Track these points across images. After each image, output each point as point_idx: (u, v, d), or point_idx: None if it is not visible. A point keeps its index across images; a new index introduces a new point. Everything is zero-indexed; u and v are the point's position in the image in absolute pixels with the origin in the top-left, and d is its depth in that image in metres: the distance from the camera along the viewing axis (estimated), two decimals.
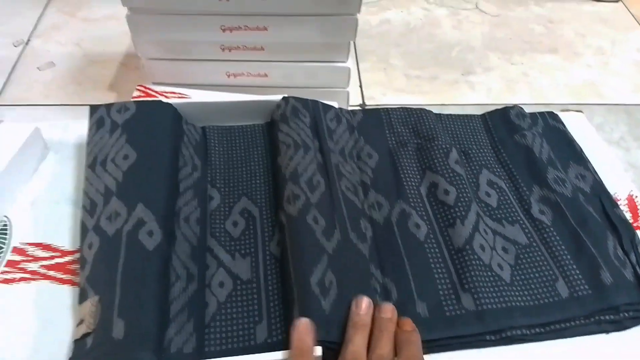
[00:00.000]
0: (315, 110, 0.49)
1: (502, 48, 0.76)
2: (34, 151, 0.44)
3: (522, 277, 0.39)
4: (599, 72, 0.73)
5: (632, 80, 0.71)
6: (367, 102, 0.67)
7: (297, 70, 0.61)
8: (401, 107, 0.53)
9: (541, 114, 0.54)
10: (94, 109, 0.46)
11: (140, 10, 0.54)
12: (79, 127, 0.48)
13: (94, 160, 0.42)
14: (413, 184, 0.45)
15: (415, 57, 0.74)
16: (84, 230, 0.39)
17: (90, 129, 0.45)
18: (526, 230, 0.43)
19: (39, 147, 0.45)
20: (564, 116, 0.54)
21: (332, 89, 0.62)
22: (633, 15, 0.83)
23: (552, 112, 0.55)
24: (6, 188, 0.41)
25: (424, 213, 0.43)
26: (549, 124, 0.53)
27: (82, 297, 0.35)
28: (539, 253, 0.41)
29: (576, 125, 0.52)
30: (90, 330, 0.33)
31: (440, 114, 0.54)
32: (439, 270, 0.39)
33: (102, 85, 0.67)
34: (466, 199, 0.43)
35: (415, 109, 0.52)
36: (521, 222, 0.43)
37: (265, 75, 0.61)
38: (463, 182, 0.44)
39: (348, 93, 0.63)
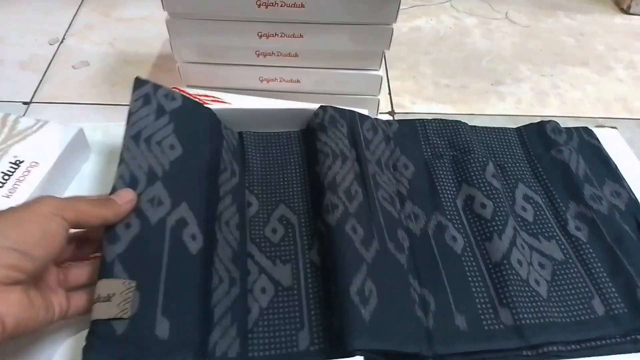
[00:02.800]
0: (352, 120, 0.49)
1: (533, 59, 0.76)
2: (78, 152, 0.45)
3: (559, 293, 0.40)
4: (630, 86, 0.72)
5: None
6: (396, 110, 0.67)
7: (329, 77, 0.61)
8: (436, 119, 0.53)
9: (576, 129, 0.54)
10: (141, 82, 0.45)
11: (181, 15, 0.55)
12: (119, 130, 0.49)
13: (138, 133, 0.40)
14: (449, 196, 0.46)
15: (445, 65, 0.74)
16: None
17: (135, 100, 0.43)
18: (562, 247, 0.43)
19: (83, 148, 0.46)
20: (598, 132, 0.54)
21: (362, 96, 0.63)
22: None
23: (587, 128, 0.55)
24: (51, 186, 0.42)
25: (460, 226, 0.44)
26: (584, 140, 0.53)
27: (107, 272, 0.32)
28: (575, 270, 0.41)
29: (610, 142, 0.52)
30: (126, 317, 0.31)
31: (475, 126, 0.54)
32: (477, 284, 0.40)
33: None
34: (503, 213, 0.43)
35: (450, 121, 0.53)
36: (557, 237, 0.43)
37: (298, 81, 0.62)
38: (500, 196, 0.44)
39: (378, 101, 0.64)
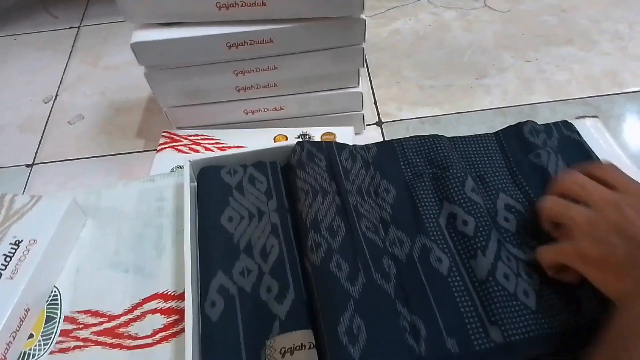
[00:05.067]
0: (330, 152, 0.50)
1: (515, 45, 0.75)
2: (74, 221, 0.48)
3: (547, 303, 0.40)
4: (618, 58, 0.71)
5: None
6: (383, 119, 0.68)
7: (311, 101, 0.62)
8: (413, 136, 0.54)
9: (555, 124, 0.54)
10: (339, 145, 0.52)
11: (157, 66, 0.56)
12: (111, 193, 0.51)
13: (359, 188, 0.48)
14: (431, 216, 0.46)
15: (428, 66, 0.74)
16: (376, 247, 0.44)
17: (346, 161, 0.50)
18: None
19: (78, 216, 0.48)
20: (579, 124, 0.53)
21: (347, 113, 0.64)
22: None
23: (566, 122, 0.54)
24: (52, 260, 0.45)
25: (444, 246, 0.44)
26: (564, 135, 0.53)
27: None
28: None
29: (592, 133, 0.52)
30: None
31: (453, 138, 0.54)
32: (465, 304, 0.40)
33: (130, 133, 0.70)
34: (485, 229, 0.44)
35: (427, 136, 0.53)
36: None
37: (282, 108, 0.63)
38: (481, 210, 0.45)
39: (363, 115, 0.64)
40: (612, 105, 0.65)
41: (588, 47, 0.74)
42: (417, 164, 0.51)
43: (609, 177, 0.40)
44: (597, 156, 0.51)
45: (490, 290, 0.40)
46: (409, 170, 0.50)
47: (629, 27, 0.76)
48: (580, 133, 0.53)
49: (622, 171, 0.41)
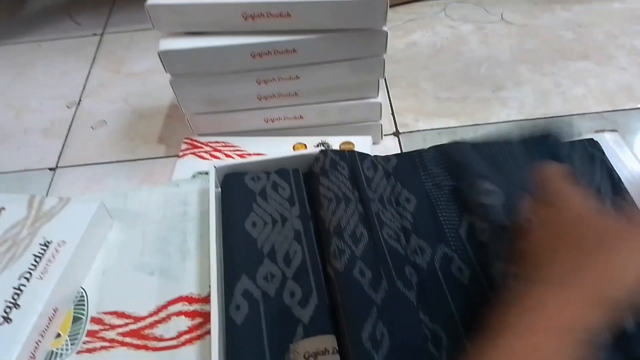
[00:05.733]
0: (352, 161, 0.51)
1: (532, 59, 0.76)
2: (101, 224, 0.49)
3: None
4: (634, 73, 0.72)
5: None
6: (400, 130, 0.69)
7: (330, 110, 0.63)
8: (432, 147, 0.54)
9: (581, 141, 0.54)
10: (361, 155, 0.53)
11: (182, 74, 0.58)
12: (136, 196, 0.52)
13: (381, 197, 0.49)
14: (452, 226, 0.47)
15: (445, 78, 0.75)
16: (397, 254, 0.44)
17: (368, 170, 0.51)
18: None
19: (105, 219, 0.49)
20: (598, 138, 0.54)
21: (365, 123, 0.65)
22: None
23: (592, 140, 0.54)
24: (80, 261, 0.46)
25: (465, 256, 0.45)
26: (588, 152, 0.53)
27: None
28: None
29: (611, 146, 0.53)
30: None
31: (476, 143, 0.54)
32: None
33: (152, 139, 0.72)
34: (498, 230, 0.44)
35: (445, 145, 0.54)
36: None
37: (301, 117, 0.64)
38: (495, 212, 0.45)
39: (381, 125, 0.65)
40: (629, 120, 0.66)
41: (604, 62, 0.74)
42: (437, 175, 0.51)
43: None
44: (618, 175, 0.51)
45: None
46: (429, 181, 0.51)
47: None
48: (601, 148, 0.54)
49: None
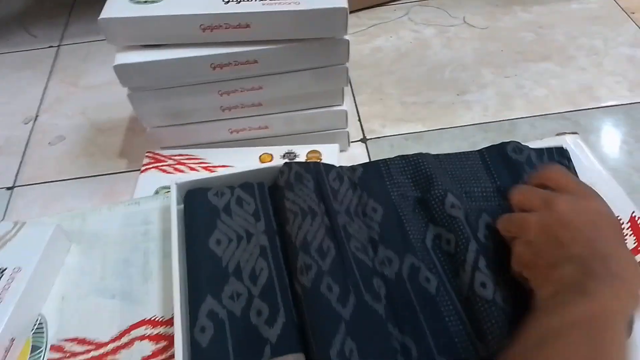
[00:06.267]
0: (317, 173, 0.50)
1: (495, 62, 0.77)
2: (59, 247, 0.47)
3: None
4: (594, 74, 0.73)
5: (628, 79, 0.72)
6: (367, 136, 0.69)
7: (296, 119, 0.63)
8: (398, 156, 0.54)
9: (549, 150, 0.54)
10: (327, 166, 0.52)
11: (141, 88, 0.56)
12: (95, 217, 0.50)
13: (348, 209, 0.48)
14: (418, 236, 0.47)
15: (410, 83, 0.75)
16: (365, 267, 0.43)
17: (334, 181, 0.51)
18: None
19: (62, 242, 0.48)
20: (559, 141, 0.54)
21: (332, 130, 0.64)
22: (622, 9, 0.83)
23: (560, 149, 0.54)
24: (38, 288, 0.44)
25: (432, 266, 0.45)
26: (555, 161, 0.53)
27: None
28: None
29: (572, 149, 0.53)
30: None
31: (438, 155, 0.55)
32: (454, 323, 0.41)
33: (112, 153, 0.70)
34: (463, 242, 0.44)
35: (412, 156, 0.53)
36: None
37: (267, 127, 0.63)
38: (460, 224, 0.45)
39: (348, 133, 0.65)
40: (590, 120, 0.67)
41: (565, 63, 0.75)
42: (402, 184, 0.51)
43: (554, 181, 0.42)
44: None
45: (473, 304, 0.41)
46: (395, 190, 0.51)
47: (604, 42, 0.78)
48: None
49: (569, 174, 0.43)
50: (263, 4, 0.52)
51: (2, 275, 0.43)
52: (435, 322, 0.41)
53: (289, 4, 0.51)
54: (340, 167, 0.53)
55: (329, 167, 0.52)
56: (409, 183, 0.51)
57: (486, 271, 0.42)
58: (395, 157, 0.54)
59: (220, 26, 0.52)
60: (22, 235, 0.45)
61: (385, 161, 0.53)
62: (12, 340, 0.41)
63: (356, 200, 0.49)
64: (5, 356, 0.40)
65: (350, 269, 0.42)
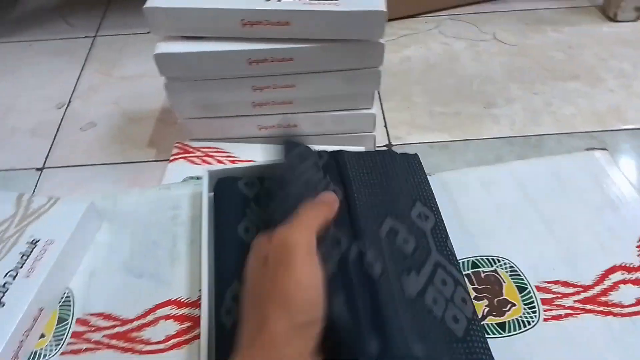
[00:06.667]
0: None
1: (523, 78, 0.77)
2: (90, 224, 0.48)
3: (477, 334, 0.39)
4: (622, 96, 0.73)
5: None
6: (393, 142, 0.69)
7: (324, 120, 0.63)
8: (366, 151, 0.53)
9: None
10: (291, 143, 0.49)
11: (178, 78, 0.57)
12: (126, 199, 0.52)
13: (307, 181, 0.45)
14: (371, 224, 0.45)
15: (438, 93, 0.76)
16: None
17: (295, 157, 0.47)
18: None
19: (94, 219, 0.49)
20: (589, 156, 0.54)
21: (358, 133, 0.65)
22: None
23: (415, 155, 0.54)
24: (68, 261, 0.45)
25: (378, 254, 0.43)
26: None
27: None
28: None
29: (602, 164, 0.53)
30: None
31: (406, 154, 0.54)
32: (390, 313, 0.39)
33: (141, 142, 0.71)
34: (424, 252, 0.44)
35: (379, 152, 0.53)
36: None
37: (295, 125, 0.64)
38: (423, 237, 0.45)
39: (374, 137, 0.66)
40: (617, 140, 0.67)
41: (594, 84, 0.76)
42: (364, 175, 0.50)
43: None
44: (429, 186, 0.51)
45: (418, 310, 0.40)
46: (357, 179, 0.49)
47: (633, 66, 0.78)
48: (590, 164, 0.54)
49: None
50: (303, 3, 0.53)
51: (35, 247, 0.44)
52: (373, 306, 0.39)
53: (329, 4, 0.53)
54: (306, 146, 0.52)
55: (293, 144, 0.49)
56: (373, 176, 0.50)
57: (442, 287, 0.41)
58: (362, 151, 0.53)
59: (261, 22, 0.53)
60: (55, 209, 0.47)
61: (350, 153, 0.52)
62: (41, 310, 0.42)
63: (316, 179, 0.47)
64: (33, 325, 0.41)
65: None
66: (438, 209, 0.49)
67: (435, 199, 0.50)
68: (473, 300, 0.42)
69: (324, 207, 0.38)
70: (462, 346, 0.38)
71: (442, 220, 0.47)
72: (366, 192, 0.49)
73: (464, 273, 0.45)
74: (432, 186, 0.51)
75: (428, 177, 0.53)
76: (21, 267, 0.42)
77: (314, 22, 0.53)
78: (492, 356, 0.38)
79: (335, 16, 0.52)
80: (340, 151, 0.53)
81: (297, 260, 0.32)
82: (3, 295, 0.40)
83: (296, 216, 0.35)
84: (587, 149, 0.56)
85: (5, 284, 0.41)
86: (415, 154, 0.54)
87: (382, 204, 0.48)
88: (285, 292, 0.31)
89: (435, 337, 0.38)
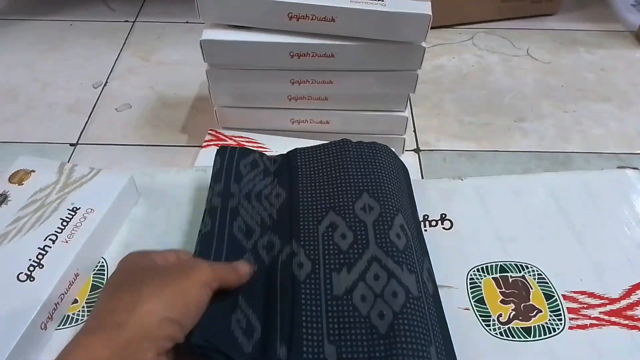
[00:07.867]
0: (230, 158, 0.51)
1: (555, 95, 0.78)
2: (128, 197, 0.49)
3: (403, 328, 0.37)
4: None
5: None
6: (421, 147, 0.70)
7: (356, 119, 0.64)
8: (322, 144, 0.52)
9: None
10: (245, 152, 0.52)
11: (220, 65, 0.59)
12: (164, 175, 0.53)
13: (249, 193, 0.48)
14: (311, 221, 0.45)
15: (468, 103, 0.77)
16: (239, 247, 0.43)
17: (244, 167, 0.51)
18: (418, 284, 0.41)
19: (133, 193, 0.50)
20: (620, 173, 0.55)
21: (389, 135, 0.66)
22: None
23: (383, 146, 0.53)
24: (105, 231, 0.46)
25: (312, 252, 0.43)
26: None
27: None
28: (424, 310, 0.40)
29: (633, 183, 0.53)
30: None
31: (361, 142, 0.52)
32: (309, 314, 0.39)
33: (175, 127, 0.73)
34: (360, 247, 0.42)
35: (335, 143, 0.52)
36: (417, 274, 0.42)
37: (327, 122, 0.65)
38: (363, 230, 0.43)
39: (404, 139, 0.67)
40: None
41: (624, 107, 0.76)
42: (314, 170, 0.50)
43: None
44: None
45: (342, 309, 0.39)
46: (305, 176, 0.49)
47: None
48: (621, 181, 0.54)
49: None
50: (350, 1, 0.54)
51: (75, 214, 0.45)
52: (290, 307, 0.39)
53: (375, 4, 0.54)
54: (262, 154, 0.53)
55: (246, 152, 0.52)
56: (324, 169, 0.50)
57: (373, 282, 0.40)
58: (316, 145, 0.53)
59: (307, 16, 0.54)
60: (97, 180, 0.48)
61: (303, 150, 0.53)
62: (77, 275, 0.43)
63: (262, 186, 0.49)
64: (69, 289, 0.42)
65: (219, 245, 0.43)
66: (392, 198, 0.47)
67: (390, 187, 0.48)
68: (499, 304, 0.43)
69: (231, 273, 0.39)
70: (383, 342, 0.37)
71: (393, 210, 0.46)
72: (312, 187, 0.48)
73: (492, 276, 0.45)
74: (464, 191, 0.52)
75: (460, 181, 0.54)
76: (60, 233, 0.43)
77: (360, 21, 0.54)
78: (422, 349, 0.37)
79: (381, 16, 0.53)
80: (295, 150, 0.53)
81: (189, 281, 0.34)
82: (43, 258, 0.42)
83: (200, 267, 0.35)
84: (619, 167, 0.57)
85: (45, 247, 0.42)
86: (384, 145, 0.53)
87: (327, 198, 0.47)
88: (164, 284, 0.32)
89: (355, 336, 0.37)
